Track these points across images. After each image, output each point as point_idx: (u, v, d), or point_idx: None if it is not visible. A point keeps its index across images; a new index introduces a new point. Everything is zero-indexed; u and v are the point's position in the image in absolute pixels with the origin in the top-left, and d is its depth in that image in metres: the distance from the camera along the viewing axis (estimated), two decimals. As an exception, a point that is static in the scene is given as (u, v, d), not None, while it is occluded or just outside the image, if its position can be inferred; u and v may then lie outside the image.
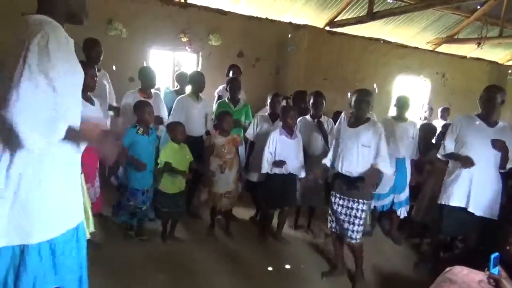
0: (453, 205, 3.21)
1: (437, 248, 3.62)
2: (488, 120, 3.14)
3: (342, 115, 3.89)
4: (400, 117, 4.06)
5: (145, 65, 5.23)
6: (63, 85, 1.44)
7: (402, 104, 4.06)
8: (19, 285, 1.48)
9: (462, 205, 3.17)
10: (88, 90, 2.98)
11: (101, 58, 3.86)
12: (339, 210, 3.11)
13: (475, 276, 2.20)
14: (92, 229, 2.73)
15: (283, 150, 3.61)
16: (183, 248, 3.53)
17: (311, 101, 3.96)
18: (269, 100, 4.24)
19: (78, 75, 1.60)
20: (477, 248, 3.22)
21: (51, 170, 1.52)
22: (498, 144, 3.04)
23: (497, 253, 1.79)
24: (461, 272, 2.27)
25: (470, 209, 3.14)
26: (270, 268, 3.34)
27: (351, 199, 3.05)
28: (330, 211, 3.22)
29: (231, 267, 3.29)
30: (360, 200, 3.03)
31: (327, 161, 3.33)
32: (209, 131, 4.29)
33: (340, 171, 3.12)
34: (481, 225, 3.16)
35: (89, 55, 3.72)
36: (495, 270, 1.76)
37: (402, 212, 4.12)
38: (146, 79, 3.93)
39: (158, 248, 3.48)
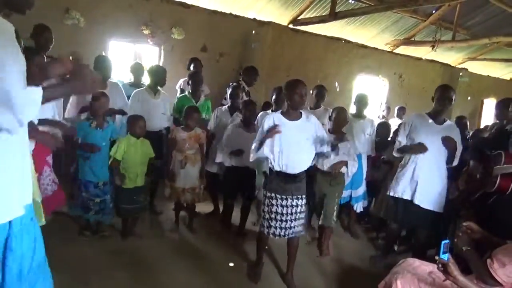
0: (402, 197, 3.36)
1: (391, 240, 3.74)
2: (438, 118, 3.31)
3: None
4: (358, 115, 4.19)
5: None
6: None
7: (361, 102, 4.18)
8: None
9: (409, 198, 3.33)
10: (34, 81, 2.77)
11: (51, 45, 3.67)
12: (284, 211, 2.92)
13: (425, 267, 2.34)
14: (43, 221, 2.57)
15: (238, 144, 3.63)
16: (143, 244, 3.46)
17: (274, 96, 3.89)
18: (229, 92, 4.22)
19: None
20: (428, 242, 3.39)
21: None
22: (448, 142, 3.19)
23: (447, 240, 1.87)
24: (413, 264, 2.40)
25: (416, 202, 3.29)
26: (231, 264, 3.34)
27: (295, 196, 2.93)
28: (265, 216, 2.99)
29: (192, 263, 3.26)
30: (304, 196, 2.99)
31: (254, 156, 2.98)
32: (169, 127, 4.20)
33: (282, 170, 2.89)
34: (431, 218, 3.31)
35: (38, 42, 3.53)
36: (445, 256, 1.84)
37: (359, 207, 4.25)
38: (101, 69, 3.77)
39: (118, 245, 3.39)
